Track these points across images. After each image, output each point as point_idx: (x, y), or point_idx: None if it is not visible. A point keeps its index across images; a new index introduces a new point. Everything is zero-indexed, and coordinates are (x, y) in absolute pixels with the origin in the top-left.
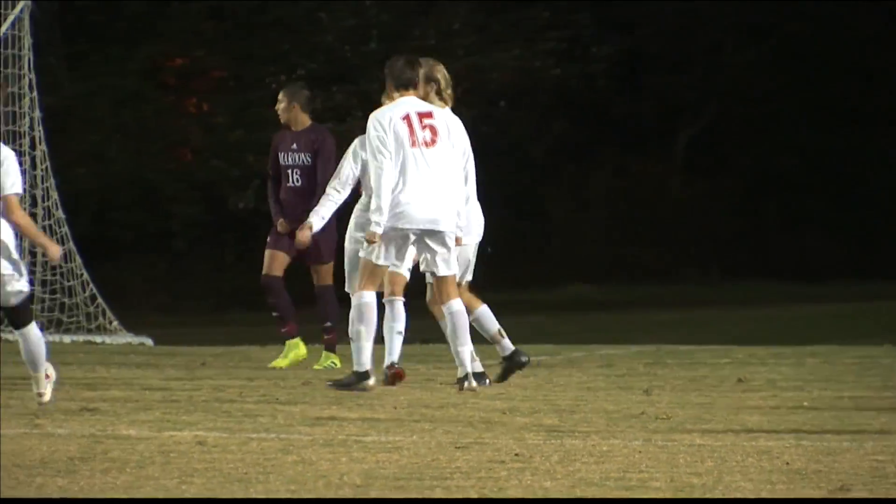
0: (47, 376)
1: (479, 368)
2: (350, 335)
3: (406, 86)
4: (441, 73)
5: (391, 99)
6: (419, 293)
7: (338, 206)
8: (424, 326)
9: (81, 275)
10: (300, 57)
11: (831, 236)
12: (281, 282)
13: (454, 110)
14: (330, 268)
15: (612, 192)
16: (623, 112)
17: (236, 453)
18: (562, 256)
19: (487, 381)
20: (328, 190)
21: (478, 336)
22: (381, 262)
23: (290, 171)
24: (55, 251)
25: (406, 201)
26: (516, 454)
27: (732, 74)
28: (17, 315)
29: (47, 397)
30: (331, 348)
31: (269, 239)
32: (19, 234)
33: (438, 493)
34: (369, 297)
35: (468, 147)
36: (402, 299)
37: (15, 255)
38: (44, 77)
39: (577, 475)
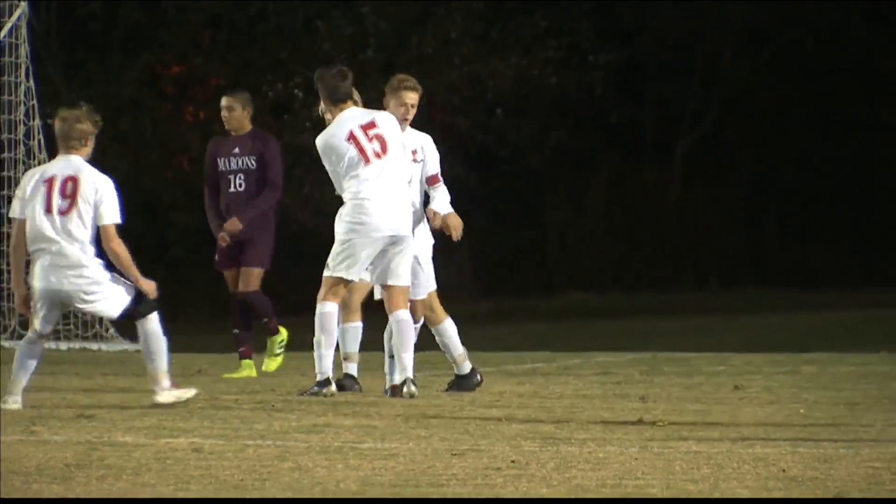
0: (164, 381)
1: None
2: (314, 343)
3: (343, 99)
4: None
5: (331, 114)
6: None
7: None
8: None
9: None
10: (298, 65)
11: (829, 245)
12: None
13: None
14: (259, 274)
15: (611, 201)
16: (622, 121)
17: (232, 460)
18: (560, 264)
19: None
20: None
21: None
22: (352, 276)
23: (231, 177)
24: (149, 287)
25: (371, 212)
26: (512, 461)
27: (731, 83)
28: (131, 317)
29: (159, 398)
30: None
31: (217, 259)
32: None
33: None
34: (331, 307)
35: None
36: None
37: (101, 278)
38: (42, 85)
39: (574, 482)
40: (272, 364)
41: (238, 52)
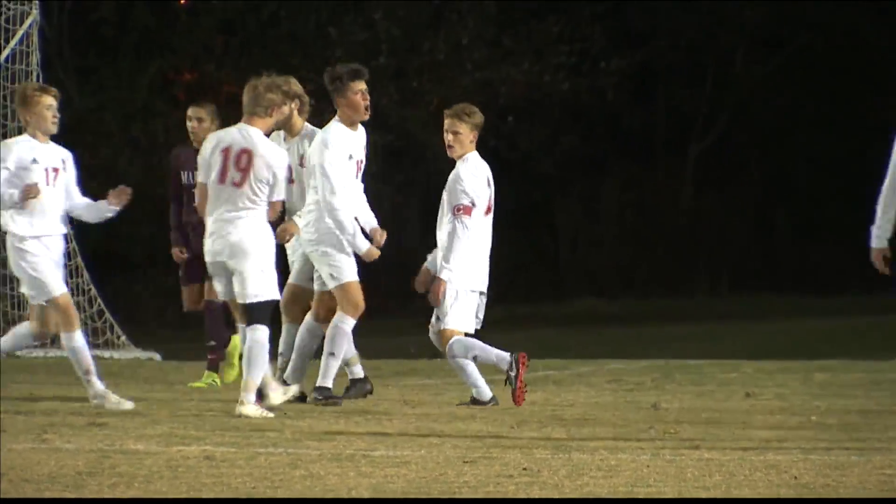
0: (251, 393)
1: (360, 374)
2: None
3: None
4: (299, 88)
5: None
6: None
7: None
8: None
9: (89, 290)
10: (310, 71)
11: (843, 249)
12: (218, 311)
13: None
14: None
15: (623, 205)
16: (634, 125)
17: (244, 468)
18: (572, 269)
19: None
20: None
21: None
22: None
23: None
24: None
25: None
26: (524, 469)
27: (743, 87)
28: (246, 313)
29: (244, 408)
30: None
31: (182, 274)
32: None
33: None
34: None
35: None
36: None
37: (266, 261)
38: None
39: (586, 489)
40: (231, 374)
41: (250, 58)
